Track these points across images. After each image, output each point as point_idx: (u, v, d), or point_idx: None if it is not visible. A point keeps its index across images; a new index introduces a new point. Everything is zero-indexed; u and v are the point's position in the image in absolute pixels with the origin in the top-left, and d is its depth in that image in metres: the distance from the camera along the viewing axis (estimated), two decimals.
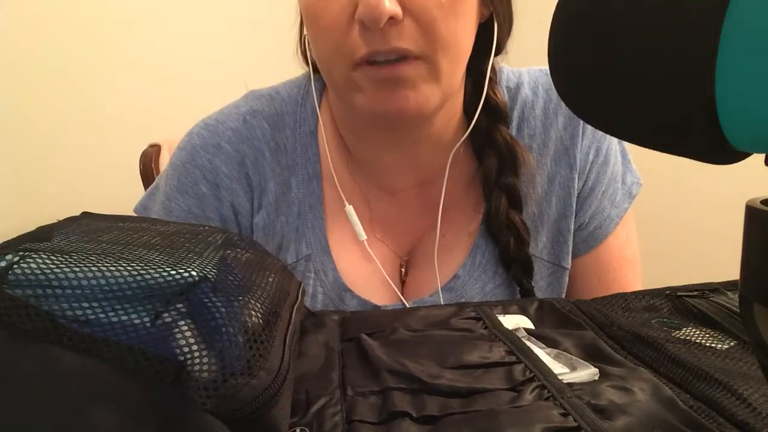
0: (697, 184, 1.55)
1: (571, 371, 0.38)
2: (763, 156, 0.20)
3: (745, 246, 0.22)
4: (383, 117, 0.53)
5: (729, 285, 0.50)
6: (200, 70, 1.29)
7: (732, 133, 0.19)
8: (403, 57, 0.49)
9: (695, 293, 0.48)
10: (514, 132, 0.63)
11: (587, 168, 0.63)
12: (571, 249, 0.64)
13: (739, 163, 0.21)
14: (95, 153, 1.27)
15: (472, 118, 0.59)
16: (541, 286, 0.63)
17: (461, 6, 0.50)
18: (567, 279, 0.65)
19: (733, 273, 0.29)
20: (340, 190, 0.61)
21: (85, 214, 0.40)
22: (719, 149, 0.20)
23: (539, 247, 0.63)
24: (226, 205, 0.60)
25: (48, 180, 1.22)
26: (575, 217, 0.63)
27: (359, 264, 0.61)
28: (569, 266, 0.64)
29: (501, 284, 0.61)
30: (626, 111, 0.23)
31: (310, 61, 0.61)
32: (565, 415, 0.32)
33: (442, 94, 0.53)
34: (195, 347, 0.26)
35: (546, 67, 0.68)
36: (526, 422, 0.31)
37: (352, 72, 0.51)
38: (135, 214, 0.65)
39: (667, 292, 0.49)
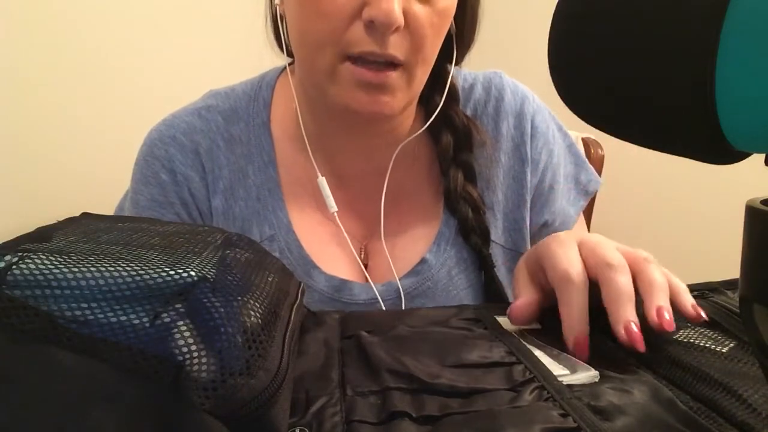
0: (697, 184, 1.55)
1: (571, 373, 0.38)
2: (763, 156, 0.20)
3: (745, 246, 0.22)
4: (355, 114, 0.55)
5: (729, 284, 0.49)
6: (203, 72, 1.29)
7: (732, 133, 0.19)
8: (390, 63, 0.52)
9: (695, 293, 0.48)
10: None
11: (541, 167, 0.68)
12: (528, 237, 0.68)
13: (739, 163, 0.21)
14: (95, 153, 1.27)
15: (427, 106, 0.64)
16: (501, 272, 0.66)
17: (445, 27, 0.55)
18: None
19: (733, 273, 0.28)
20: (313, 165, 0.64)
21: (85, 215, 0.40)
22: (719, 149, 0.20)
23: (498, 233, 0.66)
24: (185, 190, 0.64)
25: (48, 180, 1.22)
26: (541, 215, 0.68)
27: (323, 243, 0.63)
28: None
29: (465, 269, 0.64)
30: (626, 111, 0.23)
31: (284, 44, 0.63)
32: (564, 415, 0.32)
33: (410, 99, 0.57)
34: (194, 347, 0.26)
35: (501, 69, 0.70)
36: (525, 422, 0.31)
37: (339, 64, 0.53)
38: None
39: None
